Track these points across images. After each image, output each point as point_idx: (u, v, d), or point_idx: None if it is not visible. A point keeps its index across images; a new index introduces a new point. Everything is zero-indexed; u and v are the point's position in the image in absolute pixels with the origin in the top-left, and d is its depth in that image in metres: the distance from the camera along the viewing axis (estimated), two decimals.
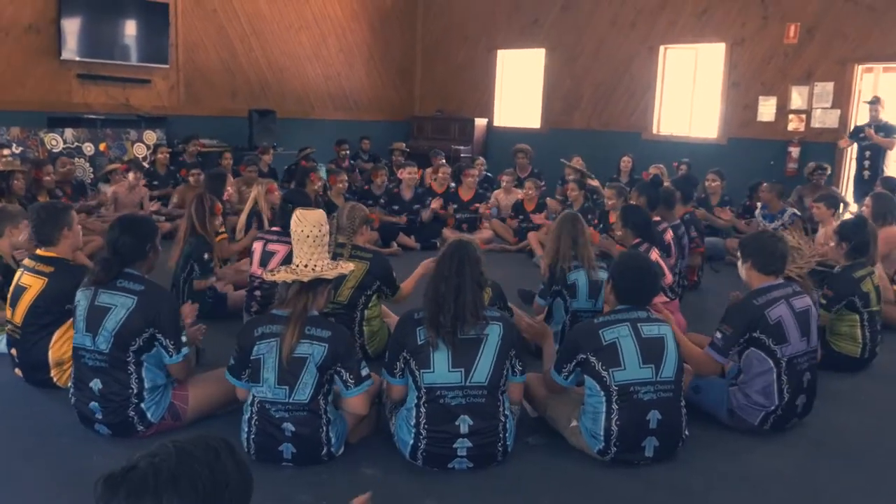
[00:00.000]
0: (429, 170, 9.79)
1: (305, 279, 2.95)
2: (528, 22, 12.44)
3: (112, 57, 9.94)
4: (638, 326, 3.12)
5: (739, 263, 3.68)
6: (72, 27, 9.51)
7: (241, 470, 1.29)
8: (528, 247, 7.81)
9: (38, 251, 3.77)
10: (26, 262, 3.79)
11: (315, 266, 3.01)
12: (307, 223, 3.05)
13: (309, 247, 3.04)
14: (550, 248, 4.59)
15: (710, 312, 5.55)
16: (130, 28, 10.11)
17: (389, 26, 13.39)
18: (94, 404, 3.21)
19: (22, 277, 3.71)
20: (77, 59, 9.57)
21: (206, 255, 4.99)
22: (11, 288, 3.74)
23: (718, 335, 3.48)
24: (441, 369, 2.97)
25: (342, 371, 2.98)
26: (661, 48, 11.12)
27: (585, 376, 3.17)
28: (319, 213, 3.11)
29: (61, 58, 9.45)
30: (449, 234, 8.22)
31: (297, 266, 3.03)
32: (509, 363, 3.08)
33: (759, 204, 8.09)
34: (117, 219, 3.42)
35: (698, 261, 6.50)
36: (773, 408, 3.44)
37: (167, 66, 10.49)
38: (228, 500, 1.24)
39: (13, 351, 3.76)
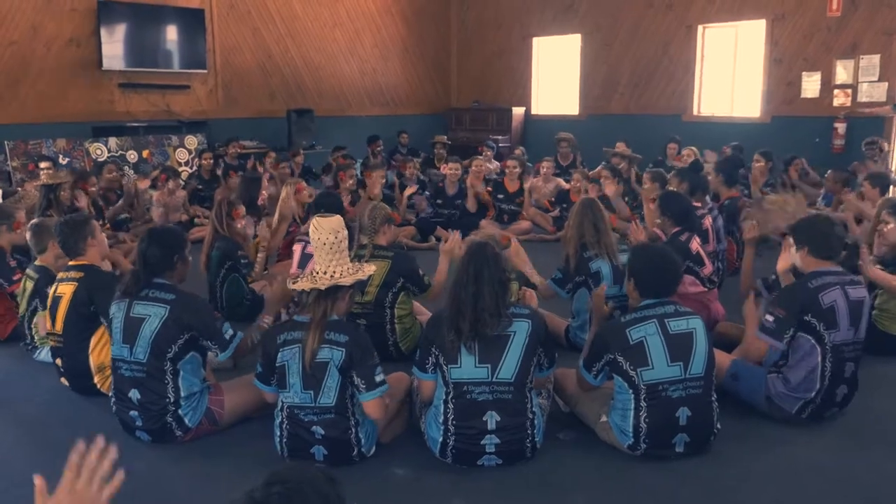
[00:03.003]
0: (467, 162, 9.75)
1: (323, 287, 3.00)
2: (563, 8, 12.32)
3: (151, 65, 10.17)
4: (665, 322, 3.08)
5: (793, 250, 3.59)
6: (111, 38, 9.75)
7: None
8: None
9: (70, 262, 3.93)
10: (61, 273, 3.95)
11: (333, 273, 3.05)
12: (323, 231, 3.09)
13: (326, 253, 3.08)
14: (571, 235, 4.50)
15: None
16: (168, 36, 10.32)
17: (423, 19, 13.39)
18: (133, 413, 3.32)
19: (58, 288, 3.85)
20: (117, 68, 9.80)
21: (239, 253, 5.10)
22: (49, 300, 3.88)
23: (769, 318, 3.39)
24: (468, 365, 2.99)
25: (354, 376, 3.01)
26: (700, 28, 10.91)
27: (614, 374, 3.15)
28: (336, 220, 3.14)
29: (102, 68, 9.69)
30: (486, 225, 8.22)
31: (317, 273, 3.07)
32: (537, 360, 3.08)
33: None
34: (147, 230, 3.52)
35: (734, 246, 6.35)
36: (811, 396, 3.36)
37: (205, 71, 10.68)
38: None
39: (58, 361, 3.90)
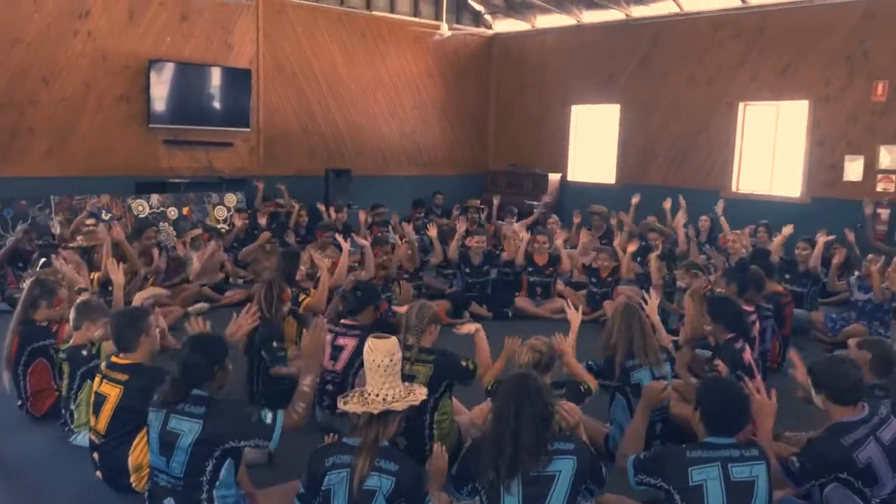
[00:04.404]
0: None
1: (375, 411, 2.96)
2: (604, 78, 12.40)
3: (197, 122, 10.35)
4: (729, 468, 2.98)
5: (813, 392, 3.48)
6: (160, 95, 9.95)
7: None
8: (602, 317, 7.64)
9: (113, 358, 3.86)
10: (103, 368, 3.87)
11: (385, 396, 3.01)
12: (379, 353, 3.06)
13: (380, 376, 3.04)
14: (617, 341, 4.38)
15: (798, 402, 5.25)
16: (215, 94, 10.52)
17: (464, 82, 13.56)
18: None
19: (101, 385, 3.79)
20: (164, 125, 9.98)
21: (274, 343, 5.01)
22: (92, 394, 3.84)
23: (797, 463, 3.30)
24: None
25: None
26: (741, 105, 10.91)
27: None
28: (391, 343, 3.11)
29: (149, 125, 9.87)
30: (521, 302, 8.17)
31: (369, 395, 3.03)
32: (581, 496, 2.99)
33: (855, 273, 7.78)
34: (189, 338, 3.47)
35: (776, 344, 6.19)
36: None
37: (248, 130, 10.84)
38: None
39: (95, 455, 3.85)
